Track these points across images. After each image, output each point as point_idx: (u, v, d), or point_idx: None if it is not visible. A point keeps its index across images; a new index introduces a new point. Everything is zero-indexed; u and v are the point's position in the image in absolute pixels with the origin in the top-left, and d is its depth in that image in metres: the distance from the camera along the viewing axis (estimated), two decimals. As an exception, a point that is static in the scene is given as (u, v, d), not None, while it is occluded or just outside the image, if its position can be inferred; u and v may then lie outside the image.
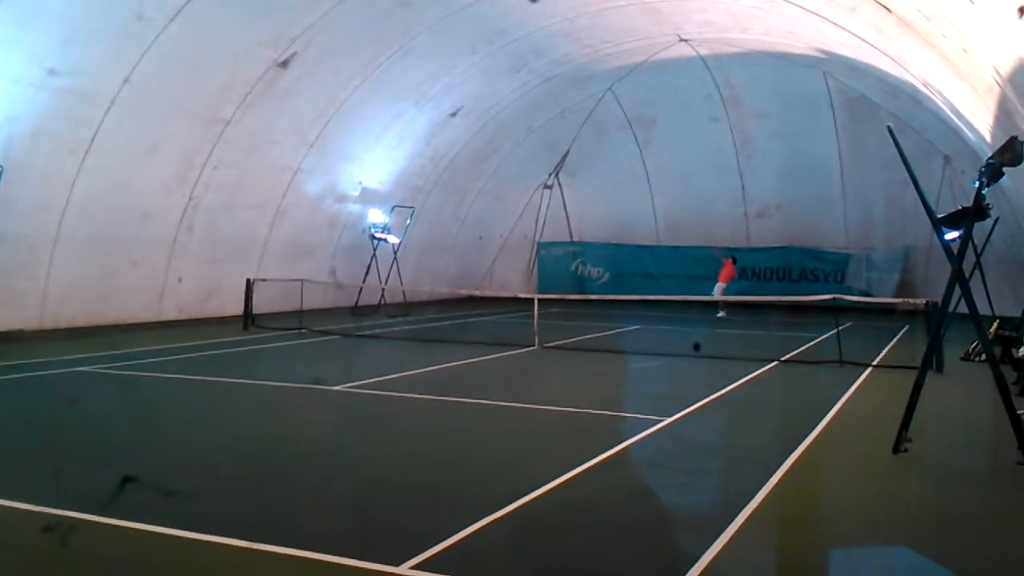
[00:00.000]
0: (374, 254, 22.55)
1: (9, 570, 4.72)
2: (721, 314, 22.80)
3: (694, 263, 25.51)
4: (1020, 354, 11.19)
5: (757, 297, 21.23)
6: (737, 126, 25.12)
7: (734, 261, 23.51)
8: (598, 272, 28.22)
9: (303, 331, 17.41)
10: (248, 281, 18.36)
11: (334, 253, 21.98)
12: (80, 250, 15.31)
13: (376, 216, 22.48)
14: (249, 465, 7.09)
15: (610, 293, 24.91)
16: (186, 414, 9.51)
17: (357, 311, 22.04)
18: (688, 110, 25.09)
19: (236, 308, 18.36)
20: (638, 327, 20.01)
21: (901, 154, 7.85)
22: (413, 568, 4.65)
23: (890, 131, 8.09)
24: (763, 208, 26.00)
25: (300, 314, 18.92)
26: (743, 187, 25.96)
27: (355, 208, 22.14)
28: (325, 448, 7.94)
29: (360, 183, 21.84)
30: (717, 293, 22.78)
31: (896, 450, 7.41)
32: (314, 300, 20.29)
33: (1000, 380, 7.21)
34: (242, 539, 5.03)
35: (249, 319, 18.04)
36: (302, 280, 19.60)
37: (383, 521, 5.67)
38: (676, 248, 27.05)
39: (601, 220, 28.49)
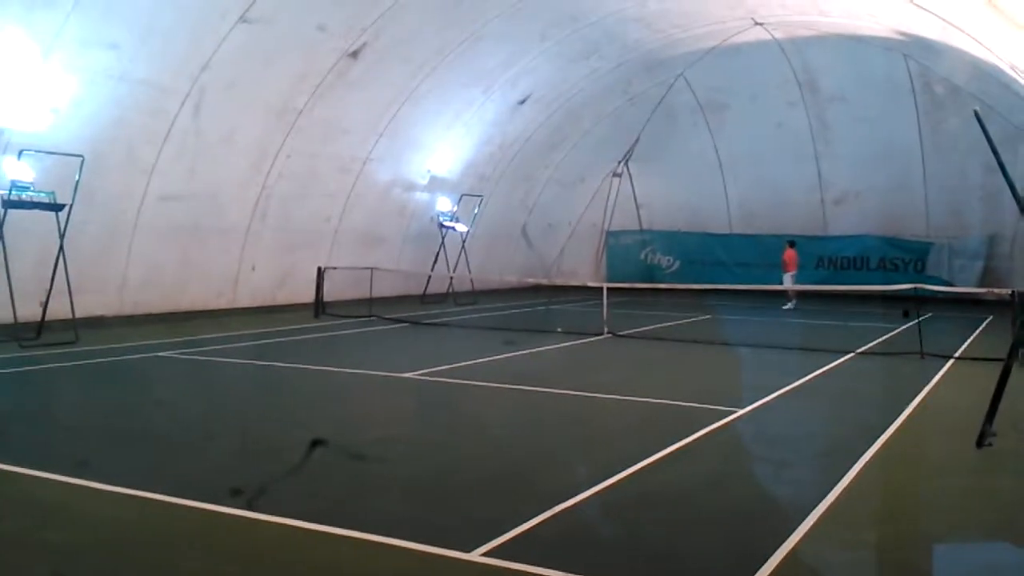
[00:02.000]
0: (442, 242, 22.62)
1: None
2: (788, 306, 22.16)
3: (768, 251, 24.90)
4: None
5: (833, 286, 20.66)
6: (814, 111, 24.47)
7: (792, 245, 22.85)
8: (668, 260, 27.86)
9: (373, 318, 17.56)
10: (319, 269, 18.59)
11: (403, 241, 22.10)
12: (157, 238, 15.67)
13: (444, 204, 22.54)
14: (321, 450, 7.13)
15: (680, 282, 24.54)
16: (259, 400, 9.67)
17: (426, 299, 22.15)
18: (763, 95, 24.52)
19: (308, 296, 18.61)
20: (709, 316, 19.69)
21: (988, 139, 7.49)
22: (484, 555, 4.61)
23: (976, 116, 7.74)
24: (841, 195, 25.30)
25: (370, 302, 19.09)
26: (820, 173, 25.29)
27: (424, 196, 22.24)
28: (396, 435, 7.97)
29: (429, 171, 21.92)
30: (789, 283, 22.15)
31: (980, 444, 7.10)
32: (384, 288, 20.45)
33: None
34: (315, 522, 5.05)
35: (320, 307, 18.26)
36: (372, 268, 19.76)
37: (454, 508, 5.65)
38: (748, 236, 26.49)
39: (671, 208, 28.10)
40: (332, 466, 6.64)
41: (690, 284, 22.38)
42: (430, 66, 18.69)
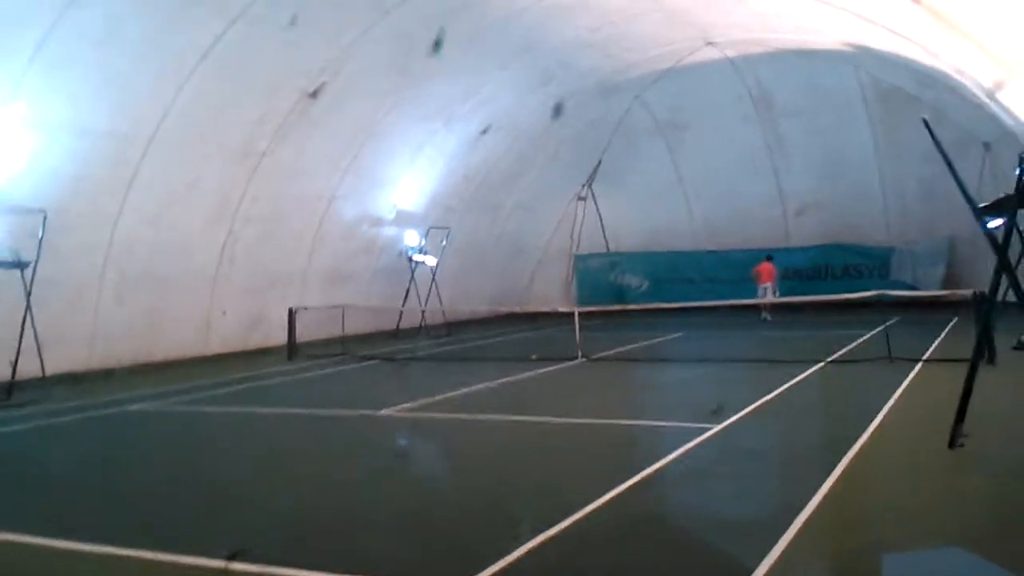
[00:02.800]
0: (412, 276, 22.65)
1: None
2: (767, 316, 22.64)
3: (734, 266, 25.23)
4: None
5: (800, 297, 20.96)
6: (769, 126, 24.91)
7: (769, 259, 23.27)
8: (637, 281, 28.07)
9: (346, 356, 17.52)
10: (290, 310, 18.53)
11: (372, 277, 22.09)
12: (126, 289, 15.56)
13: (412, 239, 22.59)
14: (300, 493, 7.12)
15: (650, 302, 24.72)
16: (237, 446, 9.61)
17: (399, 334, 22.13)
18: (719, 113, 24.95)
19: (280, 338, 18.53)
20: (681, 334, 19.85)
21: (937, 144, 7.71)
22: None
23: (925, 123, 7.96)
24: (801, 207, 25.71)
25: (343, 340, 19.03)
26: (779, 187, 25.70)
27: (391, 231, 22.27)
28: (374, 472, 7.95)
29: (395, 206, 21.98)
30: (768, 295, 22.56)
31: (952, 445, 7.26)
32: (356, 325, 20.40)
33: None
34: (300, 568, 5.05)
35: (293, 348, 18.19)
36: (343, 306, 19.73)
37: (437, 543, 5.66)
38: (714, 252, 26.82)
39: (637, 229, 28.35)
40: (311, 507, 6.63)
41: (661, 303, 22.56)
42: (391, 101, 18.81)
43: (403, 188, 21.87)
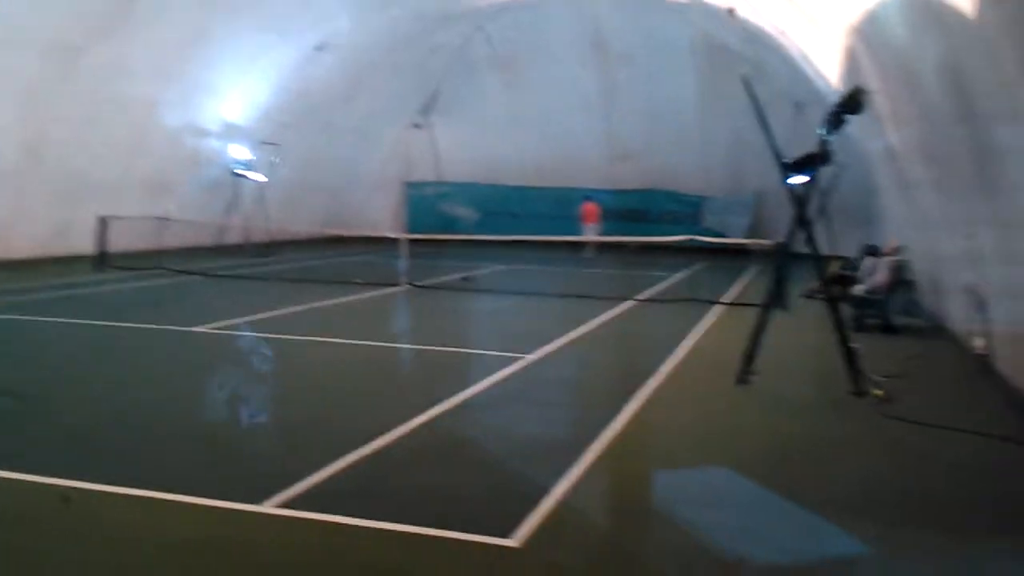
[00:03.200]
0: (238, 192, 21.94)
1: None
2: (589, 254, 23.65)
3: (561, 204, 26.01)
4: (857, 292, 12.06)
5: (616, 237, 21.91)
6: (604, 70, 25.46)
7: (589, 199, 24.27)
8: (467, 212, 28.32)
9: (161, 271, 16.90)
10: (101, 219, 17.59)
11: (196, 190, 21.24)
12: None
13: (239, 152, 21.80)
14: (103, 408, 6.99)
15: (479, 233, 25.08)
16: (31, 358, 9.20)
17: (221, 251, 21.49)
18: (556, 52, 25.26)
19: (91, 247, 17.59)
20: (505, 267, 20.35)
21: (753, 101, 8.28)
22: (276, 507, 4.76)
23: (744, 80, 8.49)
24: (627, 151, 26.58)
25: (159, 254, 18.32)
26: (608, 130, 26.43)
27: (217, 144, 21.41)
28: (183, 390, 7.89)
29: (223, 118, 21.11)
30: (591, 235, 23.53)
31: (740, 381, 7.98)
32: (176, 240, 19.66)
33: (837, 316, 7.88)
34: (98, 483, 5.04)
35: (103, 258, 17.35)
36: (161, 218, 18.93)
37: (245, 461, 5.76)
38: (543, 189, 27.48)
39: (470, 160, 28.50)
40: (114, 423, 6.54)
41: (489, 236, 22.94)
42: (224, 7, 17.90)
43: (233, 100, 21.02)
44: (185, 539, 4.41)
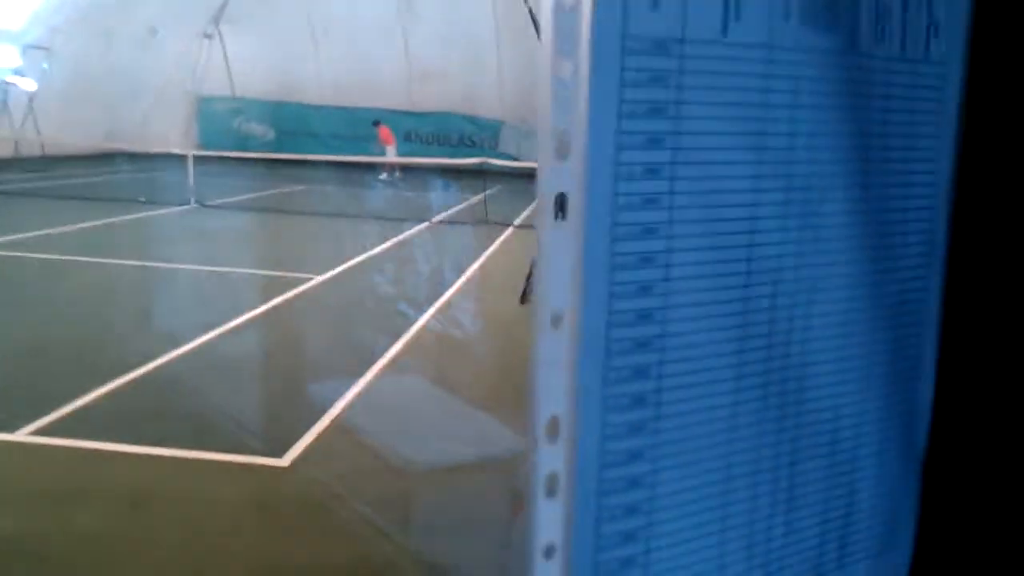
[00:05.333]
0: (5, 100, 20.20)
1: None
2: (385, 176, 23.51)
3: (360, 124, 25.65)
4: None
5: (411, 159, 22.03)
6: (401, -15, 25.09)
7: (378, 123, 24.19)
8: (263, 130, 27.47)
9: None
10: None
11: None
12: None
13: (5, 57, 20.00)
14: None
15: (275, 152, 24.44)
16: None
17: (-15, 164, 19.84)
18: (354, -35, 24.62)
19: None
20: (303, 187, 20.06)
21: (538, 31, 8.61)
22: (32, 434, 4.67)
23: (530, 12, 8.79)
24: (426, 73, 26.49)
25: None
26: (407, 50, 26.21)
27: (-23, 47, 19.55)
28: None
29: (-18, 18, 19.26)
30: (390, 156, 23.43)
31: (523, 301, 8.48)
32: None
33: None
34: None
35: None
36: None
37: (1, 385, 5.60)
38: (341, 108, 26.97)
39: (266, 77, 27.38)
40: None
41: (285, 154, 22.42)
42: None
43: (-7, -2, 19.18)
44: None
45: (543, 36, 0.80)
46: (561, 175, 0.78)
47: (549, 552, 0.78)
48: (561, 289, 0.78)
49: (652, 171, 0.80)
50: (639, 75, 0.79)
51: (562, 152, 0.78)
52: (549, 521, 0.78)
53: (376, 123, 24.01)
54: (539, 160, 0.79)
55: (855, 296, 0.94)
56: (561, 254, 0.77)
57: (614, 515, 0.81)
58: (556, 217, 0.78)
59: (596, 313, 0.79)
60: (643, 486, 0.82)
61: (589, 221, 0.77)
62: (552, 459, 0.78)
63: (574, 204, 0.77)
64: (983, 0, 0.98)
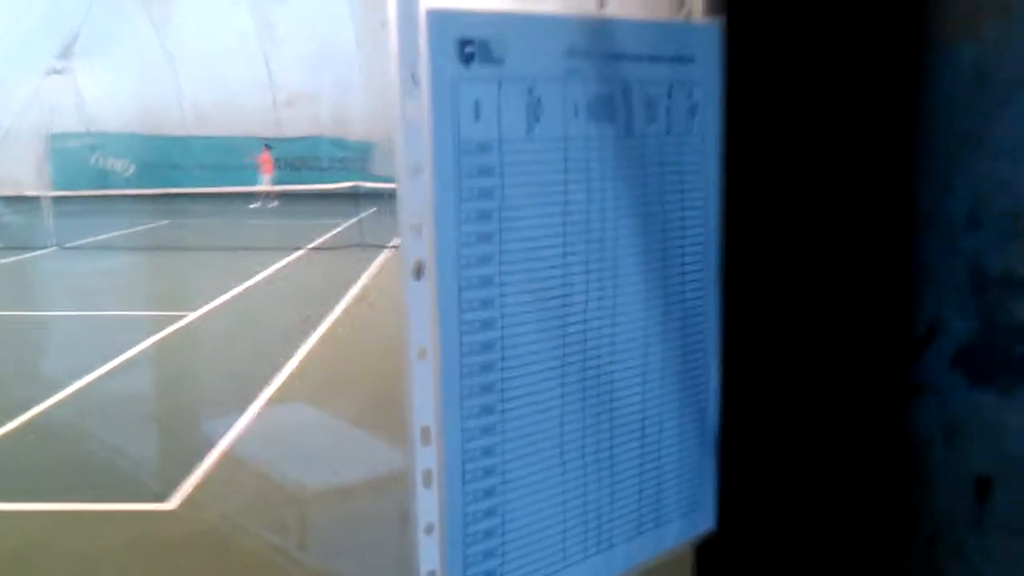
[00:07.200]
0: None
1: None
2: (259, 204, 23.28)
3: (225, 153, 25.26)
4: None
5: (284, 187, 21.89)
6: (257, 9, 24.84)
7: (268, 148, 23.93)
8: (122, 165, 26.65)
9: None
10: None
11: None
12: None
13: None
14: None
15: (137, 187, 23.78)
16: None
17: None
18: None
19: None
20: (167, 221, 19.64)
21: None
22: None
23: (385, 25, 9.01)
24: (291, 97, 26.31)
25: None
26: (269, 74, 25.98)
27: None
28: None
29: None
30: (266, 184, 23.22)
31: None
32: None
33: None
34: None
35: None
36: None
37: None
38: (205, 138, 26.44)
39: (123, 109, 26.63)
40: None
41: (147, 189, 21.88)
42: None
43: None
44: None
45: (396, 146, 1.06)
46: (417, 246, 1.05)
47: (429, 529, 1.06)
48: (423, 330, 1.04)
49: (485, 238, 1.08)
50: (471, 168, 1.07)
51: (417, 230, 1.05)
52: (428, 505, 1.05)
53: (267, 147, 23.82)
54: (400, 235, 1.06)
55: (650, 315, 1.25)
56: (421, 304, 1.04)
57: (476, 497, 1.09)
58: (416, 279, 1.04)
59: (451, 345, 1.07)
60: (495, 474, 1.10)
61: (440, 278, 1.05)
62: (426, 458, 1.05)
63: (428, 267, 1.05)
64: (732, 86, 1.30)
